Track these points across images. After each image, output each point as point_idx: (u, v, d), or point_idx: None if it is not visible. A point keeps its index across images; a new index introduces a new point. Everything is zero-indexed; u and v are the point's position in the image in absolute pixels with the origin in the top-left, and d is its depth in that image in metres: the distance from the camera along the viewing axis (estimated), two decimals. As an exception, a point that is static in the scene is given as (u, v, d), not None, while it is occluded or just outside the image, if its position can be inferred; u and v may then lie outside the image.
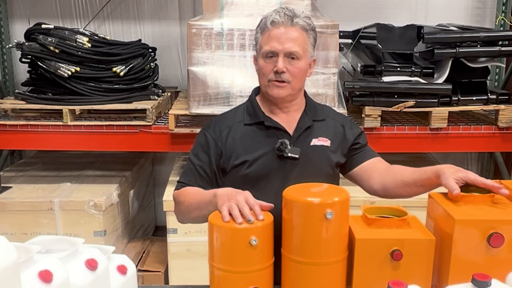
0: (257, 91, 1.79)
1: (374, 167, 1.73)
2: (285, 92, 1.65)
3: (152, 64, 3.46)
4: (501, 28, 3.74)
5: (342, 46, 3.49)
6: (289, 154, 1.64)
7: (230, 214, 1.31)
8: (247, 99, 1.81)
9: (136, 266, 3.07)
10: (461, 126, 3.06)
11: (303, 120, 1.72)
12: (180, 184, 1.72)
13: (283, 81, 1.63)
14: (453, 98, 3.02)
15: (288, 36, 1.61)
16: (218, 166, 1.70)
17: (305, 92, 1.78)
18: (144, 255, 3.35)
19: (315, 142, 1.70)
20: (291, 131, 1.70)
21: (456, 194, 1.34)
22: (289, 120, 1.71)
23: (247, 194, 1.40)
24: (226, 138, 1.70)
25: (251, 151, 1.67)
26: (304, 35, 1.64)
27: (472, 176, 1.40)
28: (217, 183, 1.70)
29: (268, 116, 1.71)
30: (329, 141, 1.72)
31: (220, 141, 1.70)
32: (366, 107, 2.98)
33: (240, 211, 1.31)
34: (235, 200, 1.36)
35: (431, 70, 3.00)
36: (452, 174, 1.40)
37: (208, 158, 1.70)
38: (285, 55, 1.61)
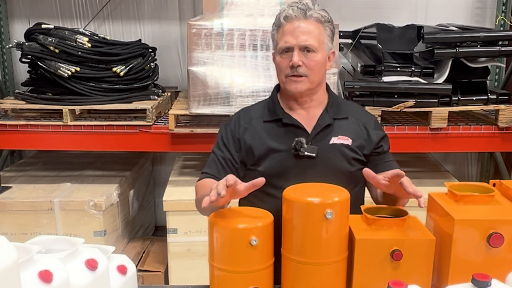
0: (278, 88, 1.78)
1: None
2: (303, 86, 1.63)
3: (152, 64, 3.46)
4: (501, 28, 3.74)
5: (342, 46, 3.49)
6: (305, 153, 1.62)
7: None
8: (267, 96, 1.81)
9: (136, 266, 3.07)
10: (461, 126, 3.06)
11: (323, 117, 1.69)
12: (203, 175, 1.72)
13: (300, 75, 1.62)
14: (453, 98, 3.02)
15: (302, 30, 1.60)
16: (240, 159, 1.70)
17: (328, 88, 1.75)
18: (144, 255, 3.35)
19: (334, 140, 1.67)
20: (309, 129, 1.67)
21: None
22: (308, 117, 1.69)
23: (228, 177, 1.38)
24: (244, 133, 1.70)
25: (268, 149, 1.66)
26: (320, 28, 1.63)
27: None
28: (239, 175, 1.65)
29: (287, 113, 1.70)
30: (351, 140, 1.68)
31: (237, 135, 1.71)
32: (366, 107, 2.98)
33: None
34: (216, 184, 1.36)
35: (431, 70, 3.00)
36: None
37: (228, 150, 1.71)
38: (300, 49, 1.60)
